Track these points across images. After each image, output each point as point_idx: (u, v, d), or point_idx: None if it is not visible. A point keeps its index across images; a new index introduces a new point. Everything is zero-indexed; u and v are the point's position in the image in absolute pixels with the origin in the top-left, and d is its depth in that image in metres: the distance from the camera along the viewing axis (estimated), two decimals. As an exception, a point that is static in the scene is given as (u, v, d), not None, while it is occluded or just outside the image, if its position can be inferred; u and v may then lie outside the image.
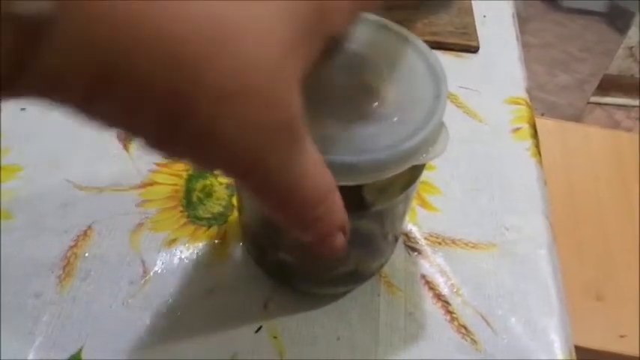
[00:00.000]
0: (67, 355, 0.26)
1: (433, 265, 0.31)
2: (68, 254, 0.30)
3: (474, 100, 0.41)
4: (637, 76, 1.55)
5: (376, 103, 0.20)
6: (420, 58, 0.22)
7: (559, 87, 1.73)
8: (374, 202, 0.22)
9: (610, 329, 0.66)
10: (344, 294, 0.29)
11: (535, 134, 0.40)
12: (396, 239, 0.30)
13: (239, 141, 0.13)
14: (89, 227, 0.31)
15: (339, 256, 0.27)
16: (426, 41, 0.41)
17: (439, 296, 0.30)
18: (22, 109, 0.37)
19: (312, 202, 0.16)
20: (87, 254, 0.30)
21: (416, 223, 0.33)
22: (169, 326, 0.28)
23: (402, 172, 0.20)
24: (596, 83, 1.57)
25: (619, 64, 1.54)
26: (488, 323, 0.29)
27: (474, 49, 0.44)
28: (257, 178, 0.15)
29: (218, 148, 0.13)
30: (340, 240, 0.18)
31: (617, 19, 1.95)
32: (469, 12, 0.47)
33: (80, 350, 0.27)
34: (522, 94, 0.42)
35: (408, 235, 0.33)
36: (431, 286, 0.31)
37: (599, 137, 0.89)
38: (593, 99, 1.60)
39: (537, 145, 0.39)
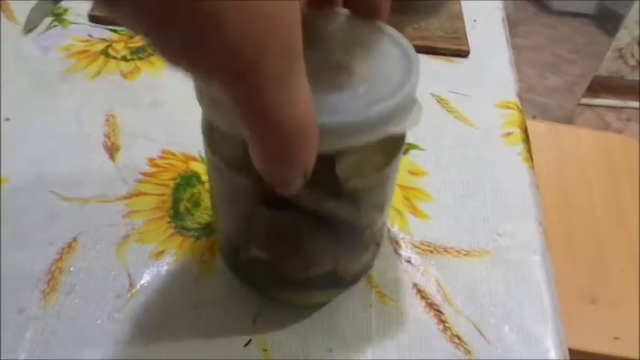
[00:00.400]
0: (52, 372, 0.26)
1: (425, 274, 0.31)
2: (52, 268, 0.29)
3: (464, 105, 0.40)
4: (626, 77, 1.56)
5: (346, 75, 0.20)
6: (392, 42, 0.22)
7: (549, 89, 1.74)
8: (346, 178, 0.21)
9: (604, 332, 0.66)
10: (324, 304, 0.29)
11: (526, 139, 0.39)
12: (377, 244, 0.29)
13: (240, 33, 0.13)
14: (74, 239, 0.31)
15: (314, 253, 0.25)
16: (416, 46, 0.41)
17: (432, 305, 0.30)
18: (7, 119, 0.36)
19: (298, 135, 0.16)
20: (72, 268, 0.29)
21: (407, 231, 0.33)
22: (157, 340, 0.27)
23: (376, 147, 0.20)
24: (586, 85, 1.58)
25: (608, 65, 1.55)
26: (481, 332, 0.29)
27: (464, 54, 0.44)
28: (252, 87, 0.14)
29: (217, 39, 0.13)
30: (299, 183, 0.17)
31: (606, 21, 1.96)
32: (459, 16, 0.46)
33: (65, 367, 0.26)
34: (513, 99, 0.41)
35: (399, 243, 0.32)
36: (423, 295, 0.30)
37: (590, 139, 0.90)
38: (584, 100, 1.61)
39: (529, 150, 0.39)
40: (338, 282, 0.28)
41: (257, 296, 0.29)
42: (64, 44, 0.42)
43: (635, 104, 1.59)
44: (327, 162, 0.19)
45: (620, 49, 1.50)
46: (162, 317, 0.28)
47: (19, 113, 0.37)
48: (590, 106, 1.62)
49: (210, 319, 0.28)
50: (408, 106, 0.20)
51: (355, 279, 0.29)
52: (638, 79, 1.55)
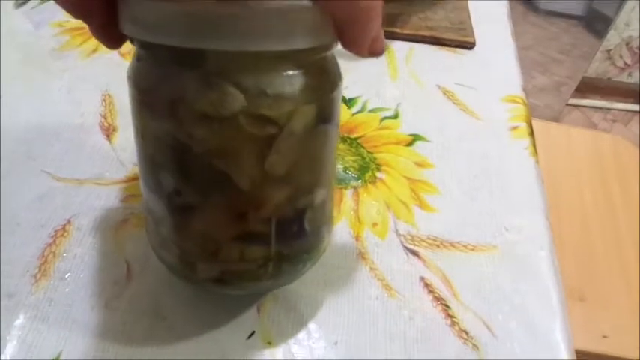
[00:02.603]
0: (44, 361, 0.24)
1: (432, 267, 0.30)
2: (45, 252, 0.28)
3: (470, 98, 0.40)
4: (614, 79, 1.57)
5: None
6: None
7: (537, 88, 1.75)
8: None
9: (592, 330, 0.66)
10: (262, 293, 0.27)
11: (532, 133, 0.39)
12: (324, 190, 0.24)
13: None
14: (68, 222, 0.29)
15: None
16: (422, 36, 0.40)
17: (439, 299, 0.29)
18: (-5, 95, 0.35)
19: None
20: (66, 252, 0.28)
21: (414, 224, 0.32)
22: (155, 331, 0.26)
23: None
24: (574, 86, 1.60)
25: (596, 66, 1.56)
26: (489, 328, 0.28)
27: (470, 46, 0.43)
28: None
29: None
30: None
31: (595, 23, 1.98)
32: (464, 8, 0.46)
33: (58, 356, 0.25)
34: (519, 93, 0.41)
35: (405, 237, 0.31)
36: (430, 289, 0.29)
37: (581, 138, 0.90)
38: (571, 101, 1.62)
39: (534, 145, 0.38)
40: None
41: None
42: (57, 20, 0.40)
43: (621, 106, 1.61)
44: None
45: (608, 51, 1.52)
46: (160, 306, 0.27)
47: (8, 90, 0.35)
48: (577, 106, 1.64)
49: (211, 309, 0.27)
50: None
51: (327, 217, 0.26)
52: (625, 80, 1.56)
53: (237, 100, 0.19)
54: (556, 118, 1.60)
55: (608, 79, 1.58)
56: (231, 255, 0.23)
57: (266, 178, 0.21)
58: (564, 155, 0.87)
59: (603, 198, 0.80)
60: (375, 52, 0.21)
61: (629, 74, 1.56)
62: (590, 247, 0.74)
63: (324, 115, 0.22)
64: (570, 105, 1.63)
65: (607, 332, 0.65)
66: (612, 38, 1.49)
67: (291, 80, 0.20)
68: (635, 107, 1.60)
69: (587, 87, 1.60)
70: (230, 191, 0.21)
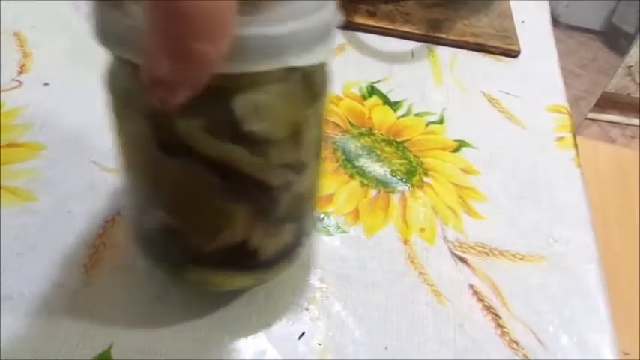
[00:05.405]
0: (95, 352, 0.24)
1: (480, 275, 0.30)
2: (96, 242, 0.28)
3: (515, 106, 0.39)
4: (633, 94, 1.57)
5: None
6: None
7: (555, 101, 1.74)
8: (243, 117, 0.18)
9: (614, 346, 0.65)
10: (245, 291, 0.27)
11: (576, 145, 0.38)
12: (297, 219, 0.24)
13: None
14: (118, 213, 0.29)
15: (219, 214, 0.21)
16: (467, 42, 0.40)
17: (489, 308, 0.29)
18: (46, 84, 0.34)
19: (202, 28, 0.13)
20: (116, 243, 0.28)
21: (462, 231, 0.32)
22: (208, 325, 0.26)
23: (283, 87, 0.18)
24: (592, 100, 1.59)
25: (616, 82, 1.55)
26: (539, 340, 0.28)
27: (514, 54, 0.43)
28: None
29: None
30: (184, 97, 0.15)
31: (615, 38, 1.97)
32: (509, 16, 0.45)
33: (109, 348, 0.24)
34: (564, 103, 0.41)
35: (454, 243, 0.31)
36: (479, 297, 0.29)
37: (603, 152, 0.89)
38: (590, 115, 1.62)
39: (579, 156, 0.38)
40: (253, 259, 0.23)
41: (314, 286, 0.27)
42: (105, 11, 0.40)
43: (638, 122, 1.60)
44: (224, 95, 0.17)
45: (629, 67, 1.51)
46: (214, 301, 0.27)
47: (57, 78, 0.35)
48: (595, 121, 1.63)
49: (262, 307, 0.27)
50: (318, 35, 0.17)
51: (275, 260, 0.24)
52: (644, 97, 1.55)
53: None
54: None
55: (628, 94, 1.57)
56: None
57: None
58: (588, 169, 0.86)
59: (627, 213, 0.80)
60: (158, 95, 0.15)
61: (649, 91, 1.55)
62: (614, 263, 0.74)
63: (167, 146, 0.19)
64: (589, 119, 1.62)
65: (628, 349, 0.65)
66: (633, 54, 1.48)
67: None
68: (653, 124, 1.59)
69: (606, 102, 1.59)
70: None
